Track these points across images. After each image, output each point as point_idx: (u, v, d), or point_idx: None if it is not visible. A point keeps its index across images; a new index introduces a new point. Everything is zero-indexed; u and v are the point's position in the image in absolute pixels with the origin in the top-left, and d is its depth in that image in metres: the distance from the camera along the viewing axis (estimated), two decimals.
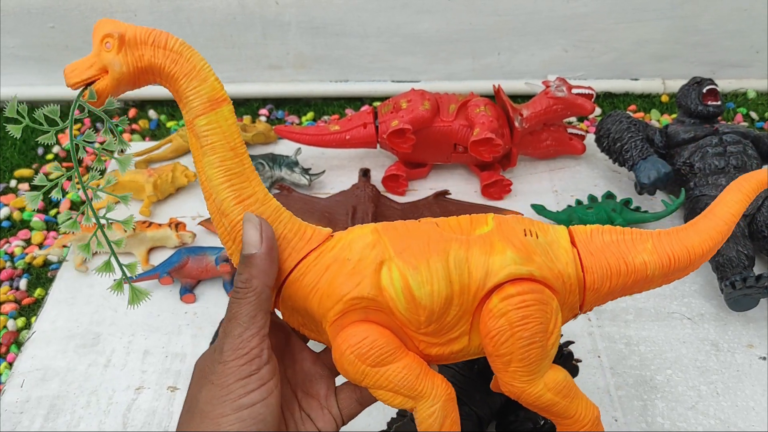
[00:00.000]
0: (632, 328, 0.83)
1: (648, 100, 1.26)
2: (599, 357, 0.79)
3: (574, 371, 0.64)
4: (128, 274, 0.40)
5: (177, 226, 0.94)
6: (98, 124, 1.10)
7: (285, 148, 1.10)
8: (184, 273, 0.88)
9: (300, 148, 1.06)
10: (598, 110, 1.22)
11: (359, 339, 0.40)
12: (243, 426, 0.37)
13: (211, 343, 0.80)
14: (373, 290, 0.40)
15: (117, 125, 0.41)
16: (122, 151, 0.39)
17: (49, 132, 0.37)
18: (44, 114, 0.38)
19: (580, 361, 0.65)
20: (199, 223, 0.98)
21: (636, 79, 1.28)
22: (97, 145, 0.39)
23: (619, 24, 1.21)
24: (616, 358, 0.79)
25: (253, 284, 0.40)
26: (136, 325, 0.85)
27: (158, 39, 0.40)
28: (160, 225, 0.94)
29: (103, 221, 0.40)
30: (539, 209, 0.96)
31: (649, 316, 0.84)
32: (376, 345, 0.40)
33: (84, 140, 0.39)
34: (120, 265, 0.40)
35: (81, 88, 0.39)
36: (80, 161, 0.37)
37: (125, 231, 0.92)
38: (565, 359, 0.63)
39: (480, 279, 0.41)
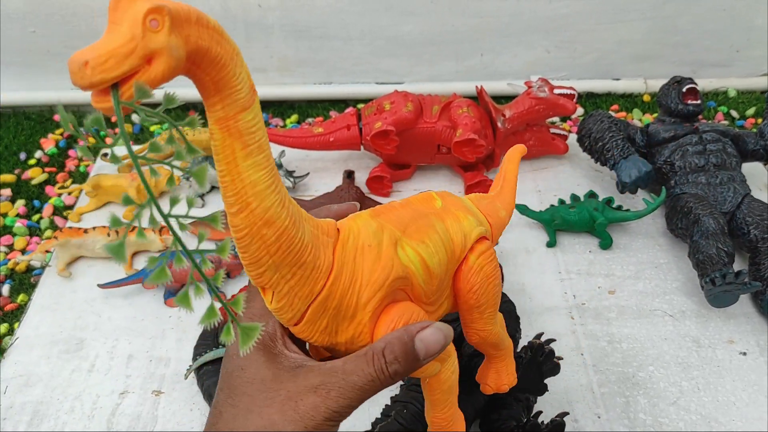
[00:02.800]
0: (614, 325, 0.83)
1: (630, 100, 1.27)
2: (582, 355, 0.80)
3: (555, 369, 0.65)
4: (235, 313, 0.32)
5: (161, 230, 0.94)
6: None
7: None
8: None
9: (284, 151, 1.06)
10: (580, 110, 1.23)
11: (409, 316, 0.40)
12: None
13: (197, 347, 0.79)
14: (402, 269, 0.41)
15: (183, 125, 0.30)
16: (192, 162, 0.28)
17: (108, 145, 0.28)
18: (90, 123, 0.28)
19: (562, 358, 0.65)
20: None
21: (618, 79, 1.29)
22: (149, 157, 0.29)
23: (600, 24, 1.22)
24: (599, 355, 0.80)
25: (397, 378, 0.38)
26: (120, 330, 0.85)
27: (200, 17, 0.30)
28: (144, 229, 0.93)
29: (197, 257, 0.29)
30: (522, 209, 0.96)
31: (631, 314, 0.84)
32: (420, 316, 0.42)
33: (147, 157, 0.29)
34: (226, 306, 0.31)
35: (113, 85, 0.27)
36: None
37: (108, 234, 0.92)
38: (547, 357, 0.63)
39: (461, 243, 0.45)
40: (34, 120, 1.23)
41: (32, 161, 1.14)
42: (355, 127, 1.02)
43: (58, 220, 1.03)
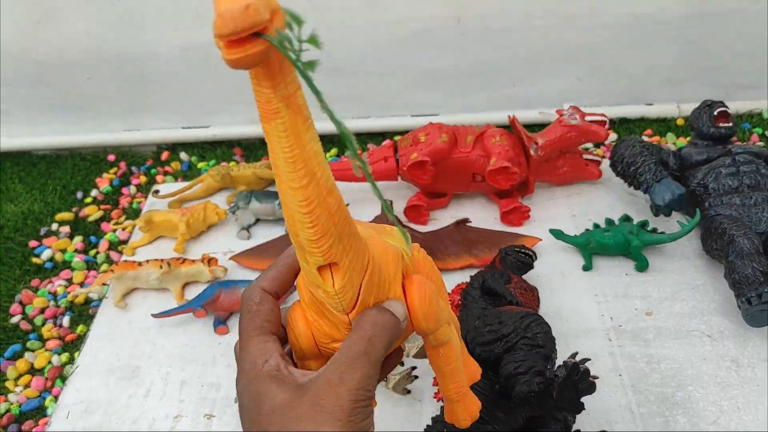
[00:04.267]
0: (653, 347, 0.84)
1: (663, 124, 1.28)
2: (620, 376, 0.81)
3: (591, 388, 0.66)
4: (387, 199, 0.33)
5: (209, 261, 0.98)
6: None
7: None
8: (217, 306, 0.92)
9: None
10: (613, 136, 1.25)
11: (429, 284, 0.43)
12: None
13: None
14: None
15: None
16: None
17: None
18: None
19: (597, 378, 0.67)
20: (230, 258, 1.02)
21: (650, 104, 1.30)
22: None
23: (631, 51, 1.25)
24: (637, 376, 0.81)
25: (392, 332, 0.40)
26: (173, 358, 0.90)
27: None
28: (193, 261, 0.98)
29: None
30: (557, 234, 0.98)
31: (669, 335, 0.85)
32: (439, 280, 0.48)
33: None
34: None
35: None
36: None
37: (160, 267, 0.97)
38: (582, 375, 0.65)
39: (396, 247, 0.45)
40: (90, 161, 1.31)
41: (88, 199, 1.21)
42: (392, 158, 1.06)
43: (113, 255, 1.09)
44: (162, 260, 0.98)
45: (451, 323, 0.46)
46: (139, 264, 0.98)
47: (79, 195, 1.22)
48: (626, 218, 0.98)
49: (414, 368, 0.81)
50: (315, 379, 0.37)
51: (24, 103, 1.31)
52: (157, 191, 1.16)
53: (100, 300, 1.01)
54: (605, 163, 1.11)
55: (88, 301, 1.02)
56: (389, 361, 0.46)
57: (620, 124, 1.29)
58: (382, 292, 0.41)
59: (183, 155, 1.30)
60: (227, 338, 0.91)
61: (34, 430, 0.84)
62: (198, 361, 0.89)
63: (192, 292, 0.98)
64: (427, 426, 0.70)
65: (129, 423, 0.82)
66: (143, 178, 1.25)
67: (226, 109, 1.32)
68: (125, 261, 0.98)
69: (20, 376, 0.91)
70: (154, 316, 0.93)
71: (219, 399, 0.84)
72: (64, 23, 1.20)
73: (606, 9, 1.20)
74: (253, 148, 1.32)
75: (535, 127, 1.27)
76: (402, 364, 0.82)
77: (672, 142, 1.23)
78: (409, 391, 0.81)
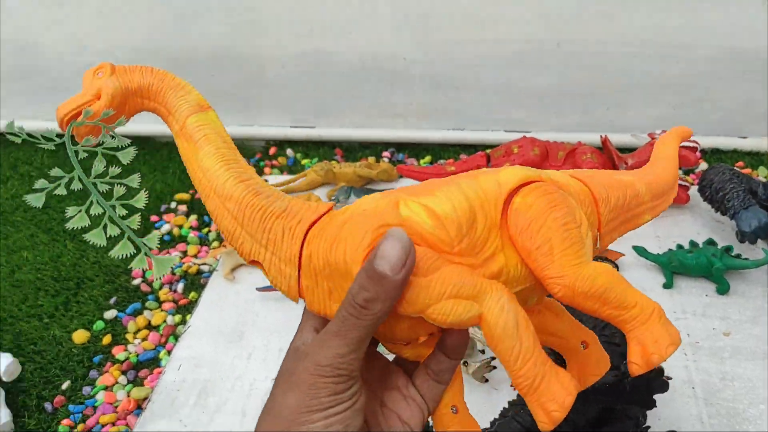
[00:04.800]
0: (728, 364, 0.87)
1: (756, 158, 1.30)
2: (693, 388, 0.84)
3: (663, 386, 0.70)
4: (149, 246, 0.38)
5: None
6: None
7: (405, 184, 1.23)
8: None
9: None
10: (703, 165, 1.28)
11: (427, 260, 0.37)
12: (329, 428, 0.36)
13: None
14: (396, 220, 0.38)
15: (113, 127, 0.42)
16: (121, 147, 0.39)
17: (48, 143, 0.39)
18: (42, 135, 0.39)
19: (671, 378, 0.71)
20: None
21: (744, 137, 1.32)
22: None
23: (727, 84, 1.27)
24: (710, 390, 0.84)
25: (376, 308, 0.35)
26: (273, 328, 0.99)
27: (144, 67, 0.43)
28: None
29: (113, 204, 0.38)
30: (640, 251, 1.02)
31: (746, 355, 0.88)
32: (422, 258, 0.37)
33: (82, 146, 0.39)
34: (137, 239, 0.37)
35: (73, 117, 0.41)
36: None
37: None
38: (656, 373, 0.70)
39: (494, 189, 0.40)
40: None
41: None
42: (484, 167, 1.12)
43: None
44: None
45: (485, 296, 0.37)
46: None
47: None
48: (710, 242, 1.01)
49: (493, 359, 0.87)
50: (299, 348, 0.38)
51: None
52: (265, 181, 1.26)
53: (211, 272, 1.12)
54: (693, 189, 1.14)
55: (199, 272, 1.13)
56: (452, 340, 0.40)
57: (712, 155, 1.31)
58: (340, 275, 0.38)
59: (289, 151, 1.41)
60: None
61: (149, 377, 0.95)
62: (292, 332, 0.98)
63: None
64: (503, 409, 0.76)
65: (232, 379, 0.92)
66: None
67: (331, 112, 1.43)
68: None
69: (139, 330, 1.03)
70: (258, 289, 1.03)
71: None
72: (199, 25, 1.34)
73: (703, 42, 1.23)
74: (353, 150, 1.41)
75: (626, 150, 1.31)
76: (483, 352, 0.89)
77: (764, 176, 1.25)
78: (486, 380, 0.87)
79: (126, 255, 0.37)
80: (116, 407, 0.92)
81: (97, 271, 1.13)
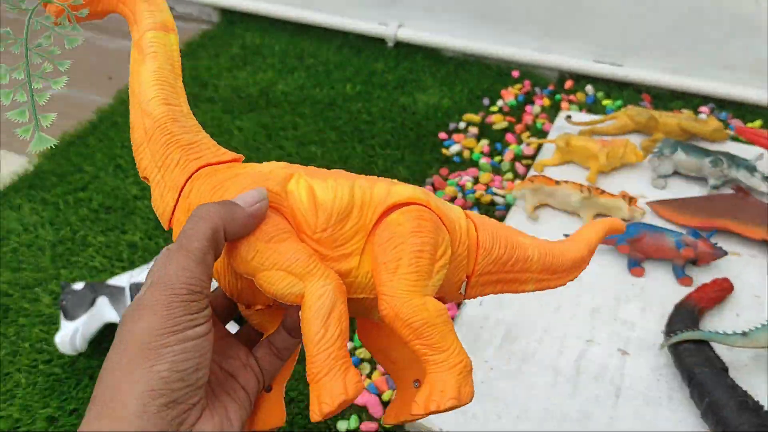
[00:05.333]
0: None
1: None
2: None
3: None
4: (41, 123, 0.39)
5: (630, 200, 0.94)
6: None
7: (736, 149, 1.05)
8: (638, 247, 0.88)
9: (762, 154, 1.00)
10: None
11: (262, 224, 0.39)
12: (186, 357, 0.35)
13: (670, 323, 0.79)
14: (278, 187, 0.40)
15: (75, 15, 0.44)
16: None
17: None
18: None
19: None
20: (647, 203, 0.98)
21: None
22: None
23: None
24: None
25: (214, 221, 0.36)
26: (585, 283, 0.88)
27: None
28: (612, 195, 0.95)
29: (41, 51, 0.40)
30: None
31: None
32: (272, 221, 0.39)
33: (39, 20, 0.41)
34: (35, 112, 0.39)
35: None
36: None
37: (581, 191, 0.95)
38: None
39: (381, 197, 0.41)
40: (494, 71, 1.33)
41: (494, 108, 1.23)
42: None
43: (518, 166, 1.09)
44: (582, 185, 0.96)
45: (310, 276, 0.38)
46: (557, 182, 0.97)
47: (485, 101, 1.25)
48: None
49: None
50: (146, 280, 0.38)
51: (442, 4, 1.36)
52: (569, 117, 1.14)
53: (506, 206, 1.02)
54: None
55: (492, 203, 1.04)
56: (291, 320, 0.42)
57: None
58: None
59: (589, 88, 1.26)
60: (641, 281, 0.87)
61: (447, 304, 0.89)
62: (609, 294, 0.86)
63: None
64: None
65: (540, 331, 0.82)
66: (546, 101, 1.24)
67: (643, 52, 1.25)
68: (543, 176, 0.98)
69: None
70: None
71: (633, 338, 0.81)
72: None
73: None
74: (663, 98, 1.24)
75: None
76: None
77: None
78: None
79: (17, 121, 0.38)
80: None
81: None
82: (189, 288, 0.35)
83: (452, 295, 0.45)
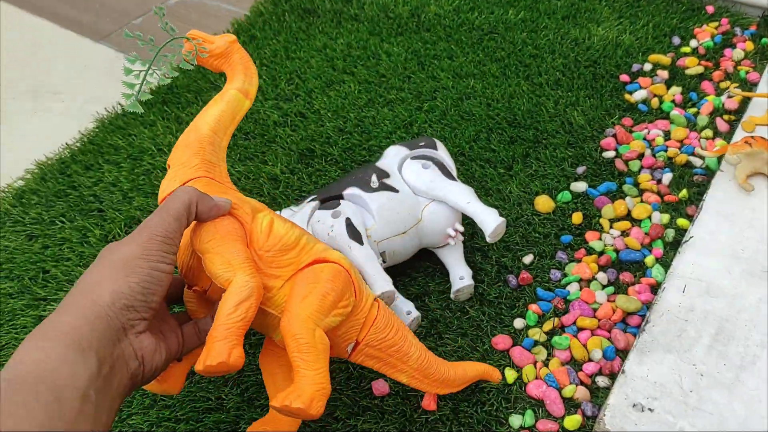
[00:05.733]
0: None
1: None
2: None
3: None
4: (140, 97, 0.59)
5: None
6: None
7: None
8: None
9: None
10: None
11: (225, 221, 0.52)
12: (151, 280, 0.46)
13: None
14: (249, 210, 0.55)
15: (196, 53, 0.63)
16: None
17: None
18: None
19: None
20: None
21: None
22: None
23: None
24: None
25: (191, 196, 0.50)
26: None
27: (247, 57, 0.66)
28: None
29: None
30: None
31: None
32: (232, 225, 0.52)
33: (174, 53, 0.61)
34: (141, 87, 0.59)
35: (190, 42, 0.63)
36: None
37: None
38: None
39: (318, 251, 0.56)
40: (684, 4, 1.12)
41: (686, 49, 1.04)
42: None
43: (719, 122, 0.91)
44: None
45: (241, 269, 0.50)
46: None
47: (676, 41, 1.05)
48: None
49: None
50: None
51: None
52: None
53: (705, 169, 0.85)
54: None
55: (689, 164, 0.87)
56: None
57: None
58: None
59: None
60: None
61: (635, 285, 0.75)
62: None
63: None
64: None
65: (763, 331, 0.67)
66: (750, 45, 1.03)
67: None
68: (763, 138, 0.80)
69: (617, 219, 0.82)
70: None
71: None
72: None
73: None
74: None
75: None
76: None
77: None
78: None
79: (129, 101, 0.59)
80: (595, 310, 0.73)
81: (558, 127, 0.93)
82: (165, 234, 0.47)
83: (340, 348, 0.57)
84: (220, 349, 0.46)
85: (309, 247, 0.55)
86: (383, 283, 0.65)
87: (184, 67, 0.61)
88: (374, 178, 0.73)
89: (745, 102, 0.93)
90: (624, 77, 1.00)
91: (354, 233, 0.67)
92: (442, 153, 0.79)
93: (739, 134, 0.88)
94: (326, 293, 0.53)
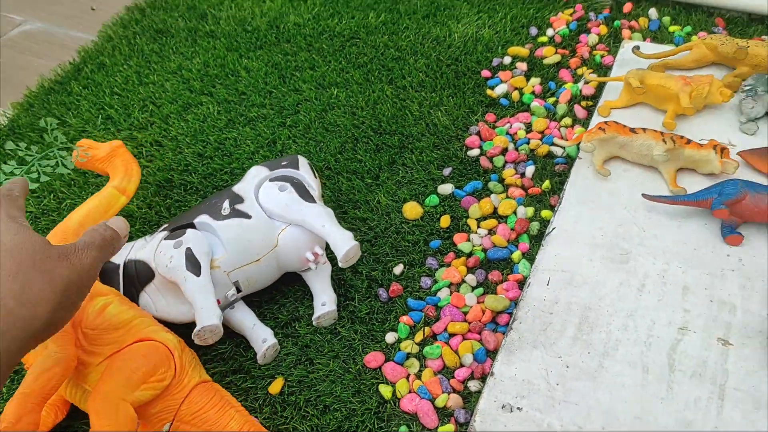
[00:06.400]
0: None
1: None
2: None
3: None
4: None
5: (722, 150, 0.79)
6: None
7: None
8: (737, 210, 0.73)
9: None
10: None
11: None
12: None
13: None
14: (88, 294, 0.48)
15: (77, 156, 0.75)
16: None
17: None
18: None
19: None
20: (738, 153, 0.82)
21: None
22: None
23: None
24: None
25: (110, 235, 0.48)
26: (670, 254, 0.74)
27: (132, 161, 0.79)
28: (700, 144, 0.79)
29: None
30: None
31: None
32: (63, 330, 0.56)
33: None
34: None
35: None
36: None
37: (663, 141, 0.79)
38: None
39: (148, 331, 0.60)
40: None
41: (543, 38, 1.06)
42: None
43: (577, 109, 0.93)
44: (663, 133, 0.80)
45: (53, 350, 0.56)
46: (633, 130, 0.81)
47: (533, 31, 1.07)
48: None
49: None
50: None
51: None
52: (637, 47, 0.96)
53: (566, 158, 0.87)
54: None
55: (550, 155, 0.88)
56: None
57: None
58: None
59: (652, 12, 1.08)
60: (738, 251, 0.73)
61: (503, 284, 0.75)
62: (702, 268, 0.72)
63: (690, 181, 0.79)
64: None
65: (623, 316, 0.69)
66: (603, 29, 1.06)
67: None
68: (616, 123, 0.82)
69: (484, 218, 0.82)
70: (646, 197, 0.77)
71: (735, 324, 0.67)
72: None
73: None
74: (739, 23, 1.06)
75: None
76: None
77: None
78: None
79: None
80: (465, 313, 0.73)
81: (423, 129, 0.92)
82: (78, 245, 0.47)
83: (155, 427, 0.60)
84: (13, 412, 0.52)
85: (138, 329, 0.60)
86: (209, 316, 0.62)
87: (60, 171, 0.71)
88: (226, 204, 0.70)
89: (601, 87, 0.96)
90: (485, 72, 1.00)
91: (193, 264, 0.64)
92: (304, 172, 0.77)
93: (596, 120, 0.90)
94: (136, 368, 0.57)
